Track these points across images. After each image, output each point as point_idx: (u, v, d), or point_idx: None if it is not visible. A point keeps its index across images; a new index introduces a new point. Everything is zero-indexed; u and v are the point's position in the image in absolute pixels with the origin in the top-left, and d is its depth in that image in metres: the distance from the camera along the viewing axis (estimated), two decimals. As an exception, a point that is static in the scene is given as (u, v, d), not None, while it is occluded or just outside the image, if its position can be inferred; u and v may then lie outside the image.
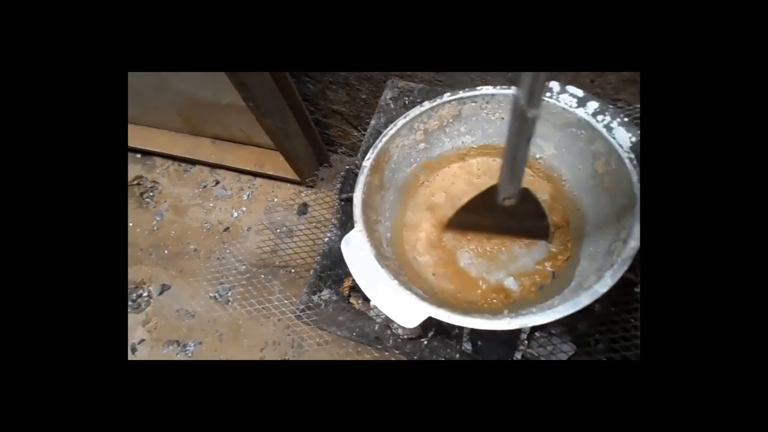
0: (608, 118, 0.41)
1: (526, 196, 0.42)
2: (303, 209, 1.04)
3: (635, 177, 0.38)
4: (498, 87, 0.45)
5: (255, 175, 1.10)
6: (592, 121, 0.41)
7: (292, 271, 0.95)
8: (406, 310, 0.37)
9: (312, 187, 1.03)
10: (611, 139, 0.40)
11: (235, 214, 1.06)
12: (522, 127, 0.31)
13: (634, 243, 0.35)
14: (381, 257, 0.40)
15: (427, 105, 0.46)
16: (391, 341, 0.49)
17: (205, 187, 1.11)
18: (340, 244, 0.43)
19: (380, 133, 0.47)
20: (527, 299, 0.43)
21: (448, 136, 0.49)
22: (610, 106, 0.41)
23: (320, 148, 0.95)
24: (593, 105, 0.42)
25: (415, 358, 0.46)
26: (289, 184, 1.07)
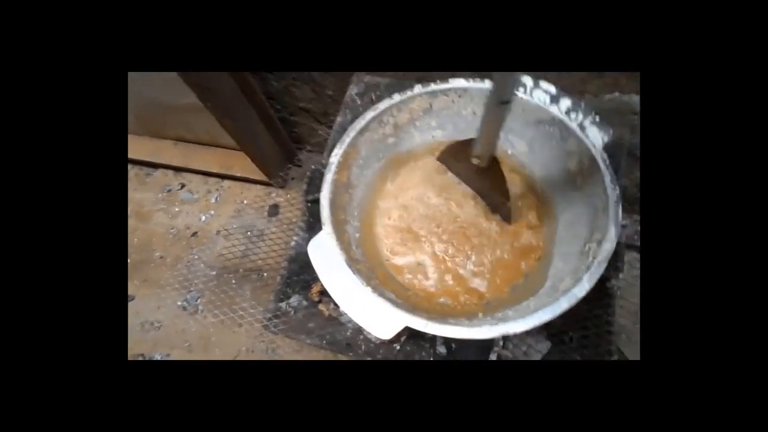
0: (581, 117, 0.40)
1: (495, 169, 0.41)
2: (274, 210, 1.01)
3: (608, 178, 0.37)
4: (471, 80, 0.44)
5: (223, 177, 1.06)
6: (566, 119, 0.41)
7: (264, 275, 0.92)
8: (380, 319, 0.35)
9: (283, 187, 1.00)
10: (584, 138, 0.39)
11: (203, 218, 1.02)
12: (500, 94, 0.31)
13: (609, 245, 0.34)
14: (351, 261, 0.38)
15: (397, 98, 0.44)
16: (363, 347, 0.47)
17: (169, 191, 1.06)
18: (307, 247, 0.40)
19: (345, 129, 0.45)
20: (500, 299, 0.42)
21: (418, 130, 0.48)
22: (582, 104, 0.40)
23: (288, 147, 0.92)
24: (566, 102, 0.41)
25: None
26: (258, 186, 1.03)
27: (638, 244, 0.45)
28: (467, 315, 0.38)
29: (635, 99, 0.52)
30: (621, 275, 0.42)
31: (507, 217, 0.44)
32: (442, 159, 0.47)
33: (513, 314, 0.34)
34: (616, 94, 0.53)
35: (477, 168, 0.41)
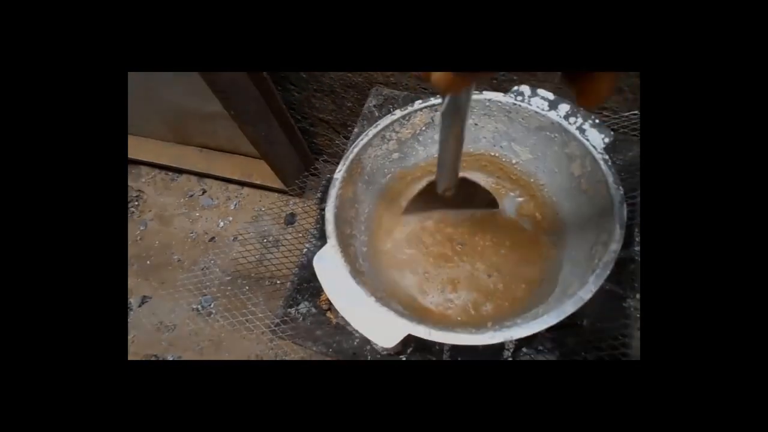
0: (580, 120, 0.41)
1: (464, 182, 0.41)
2: (291, 219, 1.02)
3: (611, 178, 0.37)
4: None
5: (242, 184, 1.08)
6: (565, 123, 0.41)
7: (278, 282, 0.93)
8: (383, 329, 0.35)
9: (300, 196, 1.02)
10: (585, 141, 0.40)
11: (222, 223, 1.04)
12: (454, 113, 0.31)
13: (615, 246, 0.34)
14: (356, 273, 0.38)
15: (398, 113, 0.44)
16: (369, 357, 0.46)
17: (191, 196, 1.09)
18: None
19: (362, 141, 0.45)
20: (511, 309, 0.41)
21: (422, 145, 0.48)
22: (582, 108, 0.40)
23: (307, 157, 0.94)
24: (564, 108, 0.41)
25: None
26: (276, 194, 1.05)
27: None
28: (475, 324, 0.38)
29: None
30: (638, 296, 0.41)
31: (495, 204, 0.45)
32: (410, 212, 0.47)
33: (520, 321, 0.33)
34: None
35: (449, 199, 0.41)
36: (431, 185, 0.42)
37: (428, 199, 0.44)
